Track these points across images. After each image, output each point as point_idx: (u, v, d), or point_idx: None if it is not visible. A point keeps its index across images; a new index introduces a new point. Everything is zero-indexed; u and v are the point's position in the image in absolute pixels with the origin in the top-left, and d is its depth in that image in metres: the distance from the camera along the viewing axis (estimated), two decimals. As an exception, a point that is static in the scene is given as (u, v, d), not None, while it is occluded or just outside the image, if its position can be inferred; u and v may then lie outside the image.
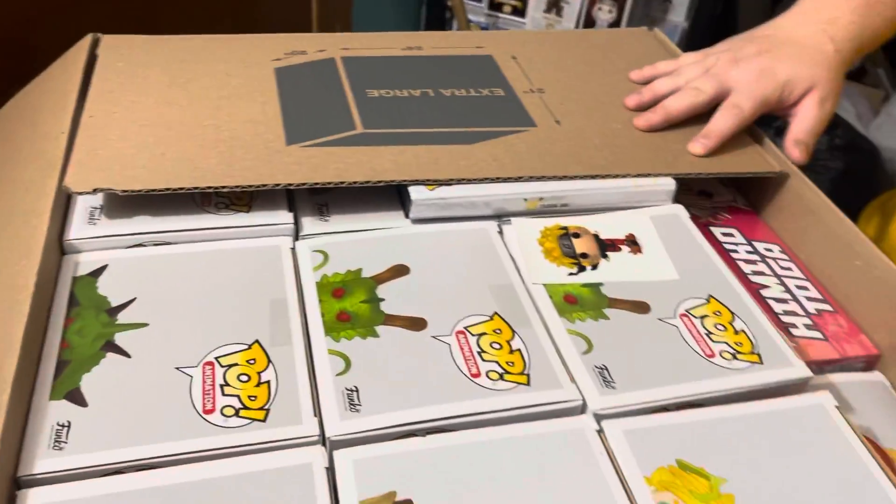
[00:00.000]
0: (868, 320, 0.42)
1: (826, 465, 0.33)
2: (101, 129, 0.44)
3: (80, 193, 0.39)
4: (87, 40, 0.54)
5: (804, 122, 0.48)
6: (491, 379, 0.35)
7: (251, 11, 0.93)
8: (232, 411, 0.33)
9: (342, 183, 0.42)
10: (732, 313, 0.39)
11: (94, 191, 0.39)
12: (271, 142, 0.44)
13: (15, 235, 0.40)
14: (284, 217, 0.43)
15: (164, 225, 0.41)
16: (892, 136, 0.94)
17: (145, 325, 0.37)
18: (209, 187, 0.40)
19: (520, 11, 1.41)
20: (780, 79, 0.48)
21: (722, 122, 0.47)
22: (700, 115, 0.49)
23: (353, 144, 0.45)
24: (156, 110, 0.46)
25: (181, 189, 0.40)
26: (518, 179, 0.44)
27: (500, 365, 0.36)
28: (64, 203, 0.42)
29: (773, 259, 0.47)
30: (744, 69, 0.48)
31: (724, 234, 0.48)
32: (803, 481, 0.32)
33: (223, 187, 0.41)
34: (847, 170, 0.84)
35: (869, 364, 0.41)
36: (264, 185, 0.41)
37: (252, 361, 0.35)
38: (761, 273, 0.45)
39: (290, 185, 0.41)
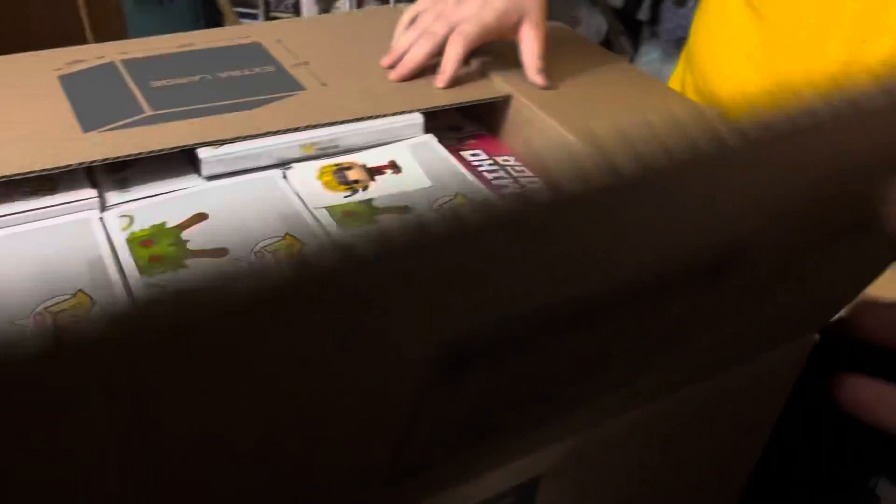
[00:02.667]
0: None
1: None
2: None
3: None
4: None
5: (532, 48, 0.60)
6: (287, 279, 0.43)
7: (22, 34, 0.94)
8: (67, 341, 0.38)
9: (140, 154, 0.48)
10: (475, 202, 0.50)
11: None
12: (68, 132, 0.49)
13: None
14: (89, 193, 0.48)
15: (-26, 216, 0.46)
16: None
17: (-28, 296, 0.41)
18: (16, 174, 0.45)
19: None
20: (498, 7, 0.59)
21: (451, 50, 0.58)
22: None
23: (146, 125, 0.51)
24: (-54, 121, 0.50)
25: (-13, 178, 0.44)
26: (295, 130, 0.52)
27: (294, 269, 0.44)
28: None
29: (511, 166, 0.58)
30: (468, 5, 0.59)
31: (472, 155, 0.59)
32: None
33: (30, 173, 0.45)
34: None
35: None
36: (69, 166, 0.46)
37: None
38: (501, 177, 0.56)
39: (94, 161, 0.47)
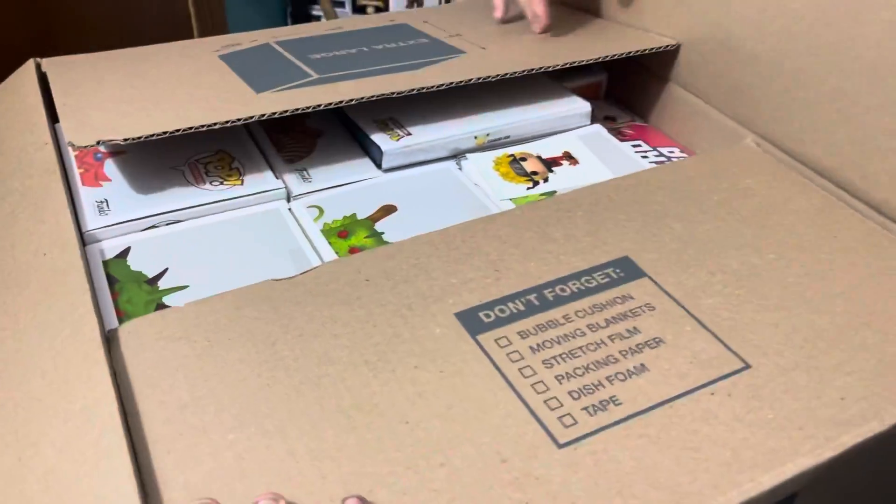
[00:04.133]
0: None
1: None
2: (81, 111, 0.46)
3: (83, 147, 0.42)
4: (30, 64, 0.56)
5: None
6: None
7: (136, 30, 0.94)
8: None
9: (320, 106, 0.46)
10: (660, 197, 0.49)
11: (98, 142, 0.42)
12: (243, 94, 0.48)
13: (30, 234, 0.43)
14: (276, 183, 0.48)
15: (171, 205, 0.46)
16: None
17: (186, 286, 0.41)
18: (202, 126, 0.44)
19: (383, 10, 1.48)
20: None
21: None
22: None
23: (315, 85, 0.50)
24: (127, 93, 0.49)
25: (178, 131, 0.43)
26: (468, 82, 0.50)
27: (495, 264, 0.43)
28: (70, 203, 0.45)
29: (676, 158, 0.57)
30: None
31: (634, 146, 0.58)
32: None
33: (214, 124, 0.44)
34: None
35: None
36: (251, 117, 0.45)
37: (292, 298, 0.41)
38: (669, 169, 0.55)
39: (284, 112, 0.45)
